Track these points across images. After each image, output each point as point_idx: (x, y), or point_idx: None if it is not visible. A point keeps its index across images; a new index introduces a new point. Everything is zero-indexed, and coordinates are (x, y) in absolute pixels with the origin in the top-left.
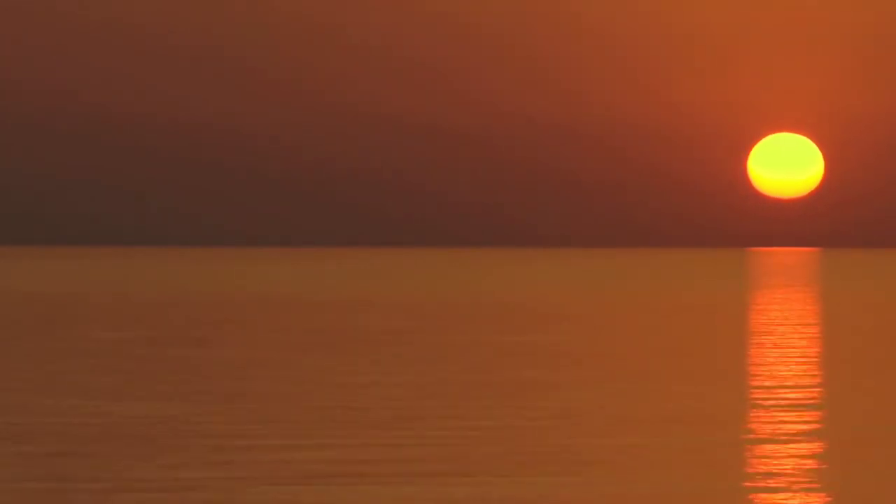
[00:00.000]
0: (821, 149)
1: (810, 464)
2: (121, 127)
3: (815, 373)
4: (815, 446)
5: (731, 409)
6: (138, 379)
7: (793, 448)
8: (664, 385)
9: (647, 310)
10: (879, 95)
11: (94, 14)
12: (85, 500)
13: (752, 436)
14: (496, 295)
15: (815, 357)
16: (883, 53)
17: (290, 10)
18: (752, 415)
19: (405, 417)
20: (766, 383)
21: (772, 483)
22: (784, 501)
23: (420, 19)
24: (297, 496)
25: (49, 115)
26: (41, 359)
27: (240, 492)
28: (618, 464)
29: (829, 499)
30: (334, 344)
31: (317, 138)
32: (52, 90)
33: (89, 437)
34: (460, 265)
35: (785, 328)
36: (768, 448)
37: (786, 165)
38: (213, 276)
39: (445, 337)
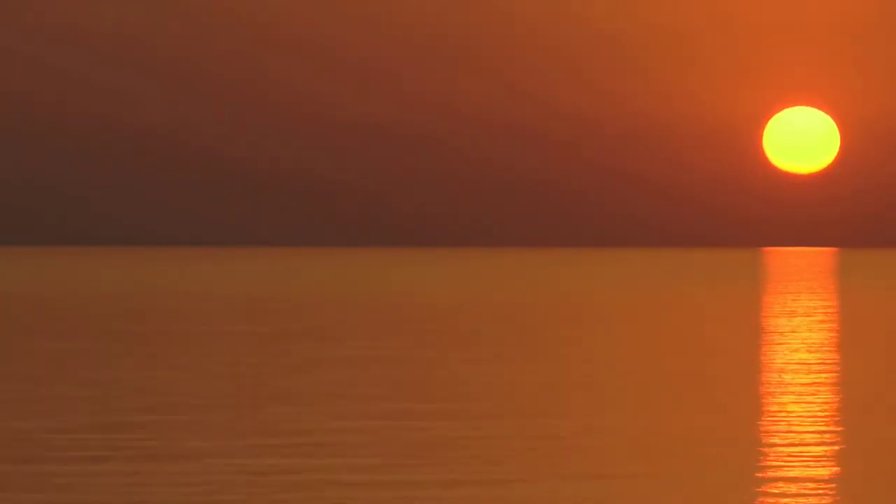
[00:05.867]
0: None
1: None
2: (59, 127)
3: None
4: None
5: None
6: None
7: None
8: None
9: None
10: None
11: (54, 17)
12: None
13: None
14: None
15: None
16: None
17: (244, 13)
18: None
19: None
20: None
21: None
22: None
23: (373, 20)
24: None
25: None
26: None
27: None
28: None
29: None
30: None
31: (264, 140)
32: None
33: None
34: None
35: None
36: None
37: (801, 145)
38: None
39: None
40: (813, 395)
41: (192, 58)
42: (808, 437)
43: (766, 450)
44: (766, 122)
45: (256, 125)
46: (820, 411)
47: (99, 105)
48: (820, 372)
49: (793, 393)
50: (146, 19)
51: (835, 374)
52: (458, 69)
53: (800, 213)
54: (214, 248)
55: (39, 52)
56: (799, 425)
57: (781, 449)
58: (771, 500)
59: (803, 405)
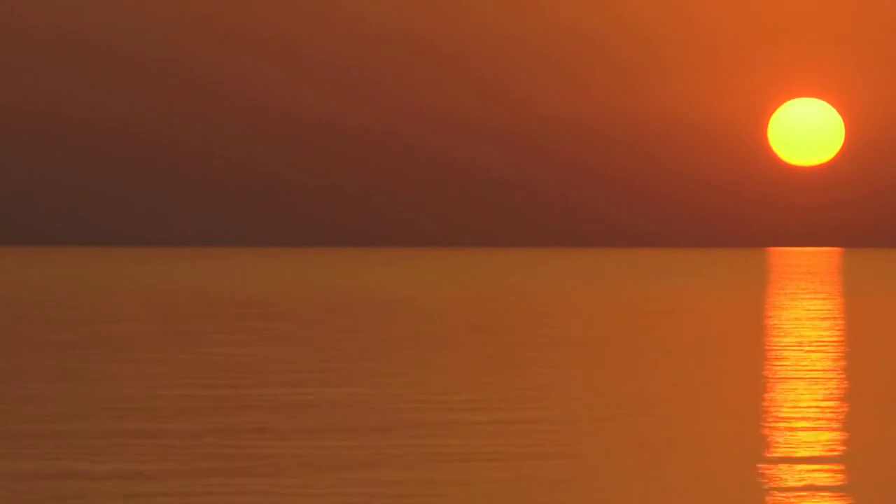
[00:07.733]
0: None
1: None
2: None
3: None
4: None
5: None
6: None
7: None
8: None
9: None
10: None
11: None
12: None
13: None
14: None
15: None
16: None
17: (246, 23)
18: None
19: None
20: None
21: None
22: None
23: (357, 25)
24: None
25: None
26: None
27: None
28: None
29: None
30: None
31: (233, 140)
32: None
33: None
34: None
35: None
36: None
37: (807, 137)
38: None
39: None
40: (815, 396)
41: (187, 65)
42: (810, 438)
43: (766, 451)
44: (770, 116)
45: (257, 131)
46: (823, 414)
47: (95, 107)
48: (824, 378)
49: (794, 391)
50: (147, 29)
51: (837, 377)
52: (461, 76)
53: (806, 210)
54: (206, 249)
55: (38, 57)
56: (801, 428)
57: (782, 449)
58: (772, 501)
59: (805, 405)
